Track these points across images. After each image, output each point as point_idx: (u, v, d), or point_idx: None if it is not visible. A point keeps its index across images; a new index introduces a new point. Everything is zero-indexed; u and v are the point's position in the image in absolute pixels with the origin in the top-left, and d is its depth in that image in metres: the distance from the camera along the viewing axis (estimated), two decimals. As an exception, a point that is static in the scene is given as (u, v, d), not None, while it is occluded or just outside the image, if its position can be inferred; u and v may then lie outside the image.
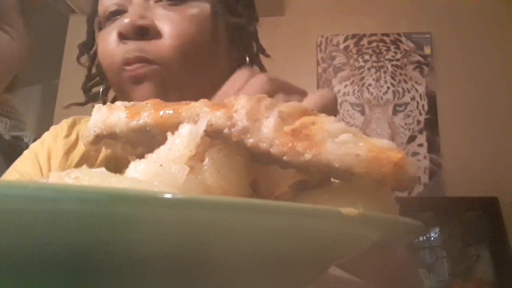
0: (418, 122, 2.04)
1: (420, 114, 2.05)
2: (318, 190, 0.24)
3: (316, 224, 0.17)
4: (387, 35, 2.15)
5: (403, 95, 2.07)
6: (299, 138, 0.19)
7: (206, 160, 0.19)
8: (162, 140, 0.21)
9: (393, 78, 2.10)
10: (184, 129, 0.19)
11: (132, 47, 0.49)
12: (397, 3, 2.15)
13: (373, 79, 2.11)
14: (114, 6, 0.53)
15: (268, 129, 0.19)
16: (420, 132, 2.03)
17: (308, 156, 0.19)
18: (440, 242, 1.88)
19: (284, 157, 0.19)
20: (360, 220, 0.17)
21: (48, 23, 2.00)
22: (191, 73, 0.51)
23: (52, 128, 0.65)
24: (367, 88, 2.10)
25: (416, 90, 2.08)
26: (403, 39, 2.13)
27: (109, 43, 0.52)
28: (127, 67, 0.50)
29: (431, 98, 2.06)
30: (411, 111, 2.06)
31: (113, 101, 0.62)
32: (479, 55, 2.05)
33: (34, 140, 2.24)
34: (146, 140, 0.23)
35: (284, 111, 0.20)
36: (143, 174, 0.17)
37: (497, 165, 1.88)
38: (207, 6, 0.53)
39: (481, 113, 1.99)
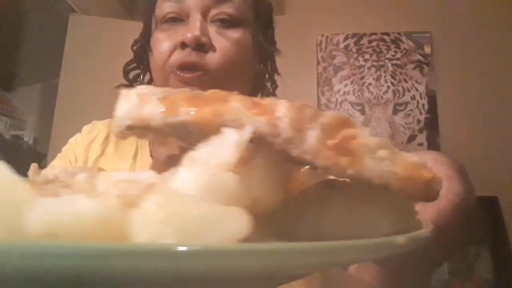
0: (418, 121, 2.05)
1: (420, 113, 2.06)
2: (350, 195, 0.24)
3: (369, 256, 0.19)
4: (387, 34, 2.15)
5: (403, 94, 2.08)
6: (341, 152, 0.21)
7: (252, 169, 0.19)
8: (199, 136, 0.21)
9: (393, 77, 2.10)
10: (230, 136, 0.19)
11: (191, 54, 0.59)
12: (397, 3, 2.16)
13: (373, 78, 2.11)
14: (172, 14, 0.62)
15: (312, 142, 0.20)
16: (420, 131, 2.04)
17: (350, 171, 0.21)
18: (440, 241, 1.88)
19: (329, 171, 0.21)
20: (408, 244, 0.20)
21: (48, 22, 1.98)
22: (228, 82, 0.60)
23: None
24: (367, 87, 2.11)
25: (416, 89, 2.08)
26: (403, 38, 2.14)
27: (165, 47, 0.61)
28: (179, 72, 0.59)
29: (431, 97, 2.07)
30: (411, 110, 2.07)
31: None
32: (479, 54, 2.05)
33: (34, 139, 2.21)
34: (181, 133, 0.23)
35: (326, 123, 0.21)
36: (195, 185, 0.17)
37: (497, 165, 1.88)
38: (249, 35, 0.64)
39: (481, 112, 1.99)
